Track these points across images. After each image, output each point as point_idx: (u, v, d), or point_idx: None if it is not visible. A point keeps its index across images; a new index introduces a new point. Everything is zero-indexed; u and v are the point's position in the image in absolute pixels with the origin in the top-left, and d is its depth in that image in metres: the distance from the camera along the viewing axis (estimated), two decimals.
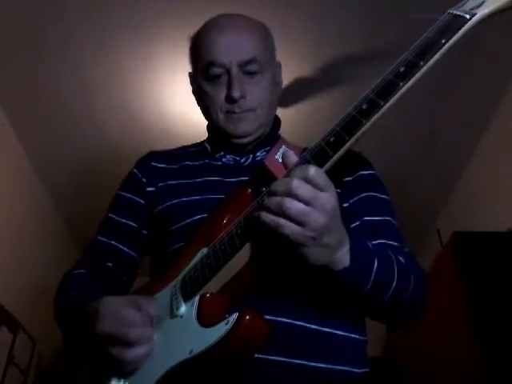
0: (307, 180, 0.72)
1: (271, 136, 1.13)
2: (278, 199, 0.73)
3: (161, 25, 2.30)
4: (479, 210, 2.92)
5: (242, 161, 1.09)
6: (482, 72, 2.49)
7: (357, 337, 0.92)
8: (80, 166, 3.09)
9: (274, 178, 0.82)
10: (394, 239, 0.98)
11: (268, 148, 1.09)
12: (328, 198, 0.73)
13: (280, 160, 1.00)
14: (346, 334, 0.90)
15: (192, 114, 2.55)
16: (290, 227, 0.72)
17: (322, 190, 0.73)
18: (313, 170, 0.72)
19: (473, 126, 2.84)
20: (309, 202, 0.71)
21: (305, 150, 1.05)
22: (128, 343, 0.82)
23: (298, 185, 0.71)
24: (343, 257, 0.78)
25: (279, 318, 0.85)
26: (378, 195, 1.04)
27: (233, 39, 1.04)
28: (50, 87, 2.61)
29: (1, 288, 2.60)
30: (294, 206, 0.71)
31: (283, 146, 1.06)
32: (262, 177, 0.83)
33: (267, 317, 0.82)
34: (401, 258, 0.89)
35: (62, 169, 3.13)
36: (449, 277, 2.25)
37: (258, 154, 1.09)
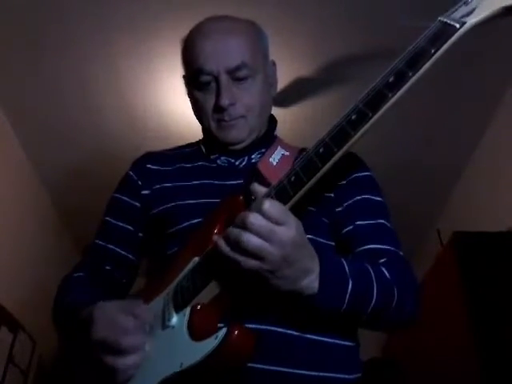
0: (263, 214, 0.72)
1: (267, 137, 1.12)
2: (236, 233, 0.74)
3: (160, 25, 2.30)
4: (479, 210, 2.92)
5: (237, 163, 1.08)
6: (482, 72, 2.49)
7: (347, 343, 0.92)
8: (79, 165, 3.08)
9: (266, 183, 0.83)
10: (387, 243, 0.97)
11: (263, 150, 1.08)
12: (285, 231, 0.73)
13: (274, 163, 1.01)
14: (336, 341, 0.90)
15: (191, 114, 2.55)
16: (246, 262, 0.74)
17: (279, 224, 0.73)
18: (267, 205, 0.72)
19: (473, 126, 2.84)
20: (265, 237, 0.72)
21: (302, 150, 1.06)
22: (120, 351, 0.82)
23: (253, 220, 0.72)
24: (311, 284, 0.78)
25: (269, 327, 0.85)
26: (372, 198, 1.03)
27: (219, 45, 1.02)
28: (49, 87, 2.61)
29: (1, 288, 2.60)
30: (251, 241, 0.72)
31: (279, 148, 1.06)
32: (255, 182, 0.83)
33: (258, 326, 0.83)
34: (385, 272, 0.88)
35: (62, 169, 3.13)
36: (449, 277, 2.25)
37: (253, 156, 1.08)
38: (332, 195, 1.01)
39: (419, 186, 3.22)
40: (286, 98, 2.59)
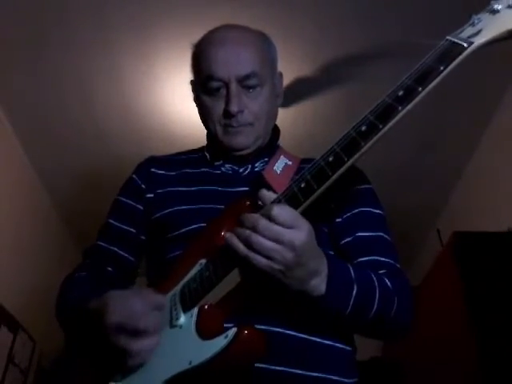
0: (273, 220, 0.75)
1: (270, 147, 1.14)
2: (247, 234, 0.76)
3: (161, 25, 2.30)
4: (479, 209, 2.92)
5: (241, 171, 1.10)
6: (482, 72, 2.49)
7: (347, 348, 0.94)
8: (80, 166, 3.09)
9: (271, 190, 0.84)
10: (386, 255, 1.00)
11: (266, 159, 1.10)
12: (295, 234, 0.75)
13: (278, 171, 1.03)
14: (337, 344, 0.92)
15: (193, 117, 2.54)
16: (257, 259, 0.76)
17: (289, 227, 0.75)
18: (276, 210, 0.75)
19: (473, 126, 2.84)
20: (276, 240, 0.75)
21: (304, 160, 1.08)
22: (137, 332, 0.82)
23: (262, 224, 0.75)
24: (318, 285, 0.80)
25: (273, 328, 0.86)
26: (372, 210, 1.05)
27: (232, 53, 1.04)
28: (50, 87, 2.61)
29: (1, 288, 2.60)
30: (260, 242, 0.75)
31: (282, 157, 1.09)
32: (261, 188, 0.85)
33: (262, 326, 0.84)
34: (386, 281, 0.91)
35: (62, 169, 3.13)
36: (449, 277, 2.25)
37: (256, 164, 1.10)
38: (332, 206, 1.03)
39: (419, 187, 3.22)
40: (285, 98, 2.58)
